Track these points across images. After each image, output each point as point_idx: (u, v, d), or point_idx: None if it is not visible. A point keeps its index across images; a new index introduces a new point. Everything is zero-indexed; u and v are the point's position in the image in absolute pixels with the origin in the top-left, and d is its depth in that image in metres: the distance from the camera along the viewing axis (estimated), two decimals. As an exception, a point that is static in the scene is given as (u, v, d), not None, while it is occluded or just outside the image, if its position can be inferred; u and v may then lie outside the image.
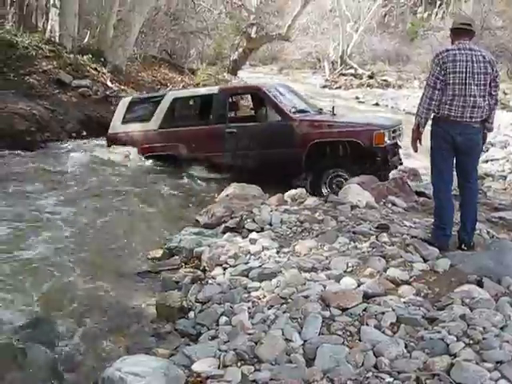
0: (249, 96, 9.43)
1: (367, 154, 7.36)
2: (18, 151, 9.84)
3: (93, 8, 19.71)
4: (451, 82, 4.30)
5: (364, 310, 3.40)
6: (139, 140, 8.99)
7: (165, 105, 8.86)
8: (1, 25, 15.10)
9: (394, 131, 7.59)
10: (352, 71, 35.30)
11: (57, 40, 15.52)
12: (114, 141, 9.33)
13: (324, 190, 7.48)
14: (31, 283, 4.51)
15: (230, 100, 8.81)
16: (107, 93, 13.87)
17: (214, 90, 9.15)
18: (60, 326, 3.80)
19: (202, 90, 10.08)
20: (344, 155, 7.58)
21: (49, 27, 16.07)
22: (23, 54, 13.72)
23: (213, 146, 8.32)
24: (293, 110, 8.21)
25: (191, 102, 9.45)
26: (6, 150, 9.66)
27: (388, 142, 7.38)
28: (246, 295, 3.84)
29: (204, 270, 4.59)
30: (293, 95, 8.98)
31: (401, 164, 7.94)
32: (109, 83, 14.62)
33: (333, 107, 8.52)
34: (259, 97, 8.67)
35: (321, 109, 9.03)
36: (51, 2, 15.82)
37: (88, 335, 3.74)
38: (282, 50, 43.06)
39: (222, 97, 8.56)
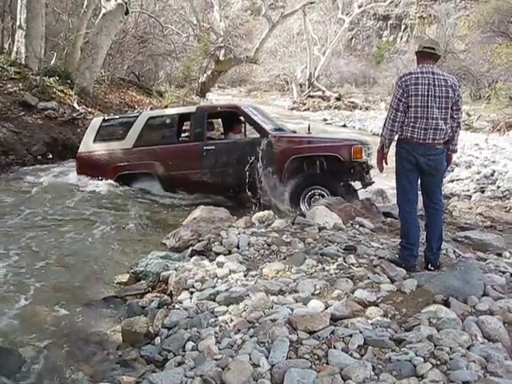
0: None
1: (346, 168, 7.48)
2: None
3: (60, 30, 19.56)
4: (413, 104, 4.38)
5: (331, 332, 3.35)
6: (112, 158, 8.90)
7: (140, 123, 8.84)
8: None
9: (368, 148, 7.73)
10: (320, 93, 35.89)
11: (23, 62, 15.33)
12: (85, 159, 9.18)
13: (302, 206, 7.53)
14: (-8, 311, 4.38)
15: (208, 118, 8.80)
16: (74, 115, 13.76)
17: (192, 108, 9.22)
18: (22, 355, 3.66)
19: (180, 109, 10.11)
20: (322, 170, 7.66)
21: (15, 49, 15.87)
22: (-12, 75, 13.55)
23: (190, 164, 8.35)
24: (270, 127, 8.31)
25: (168, 121, 9.41)
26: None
27: (364, 157, 7.51)
28: (213, 320, 3.76)
29: (171, 295, 4.50)
30: (264, 116, 9.06)
31: (373, 182, 8.03)
32: (75, 105, 14.51)
33: (309, 125, 8.78)
34: (237, 115, 8.73)
35: (294, 131, 9.17)
36: (17, 23, 15.65)
37: (51, 364, 3.61)
38: (251, 73, 43.53)
39: (199, 115, 8.58)
